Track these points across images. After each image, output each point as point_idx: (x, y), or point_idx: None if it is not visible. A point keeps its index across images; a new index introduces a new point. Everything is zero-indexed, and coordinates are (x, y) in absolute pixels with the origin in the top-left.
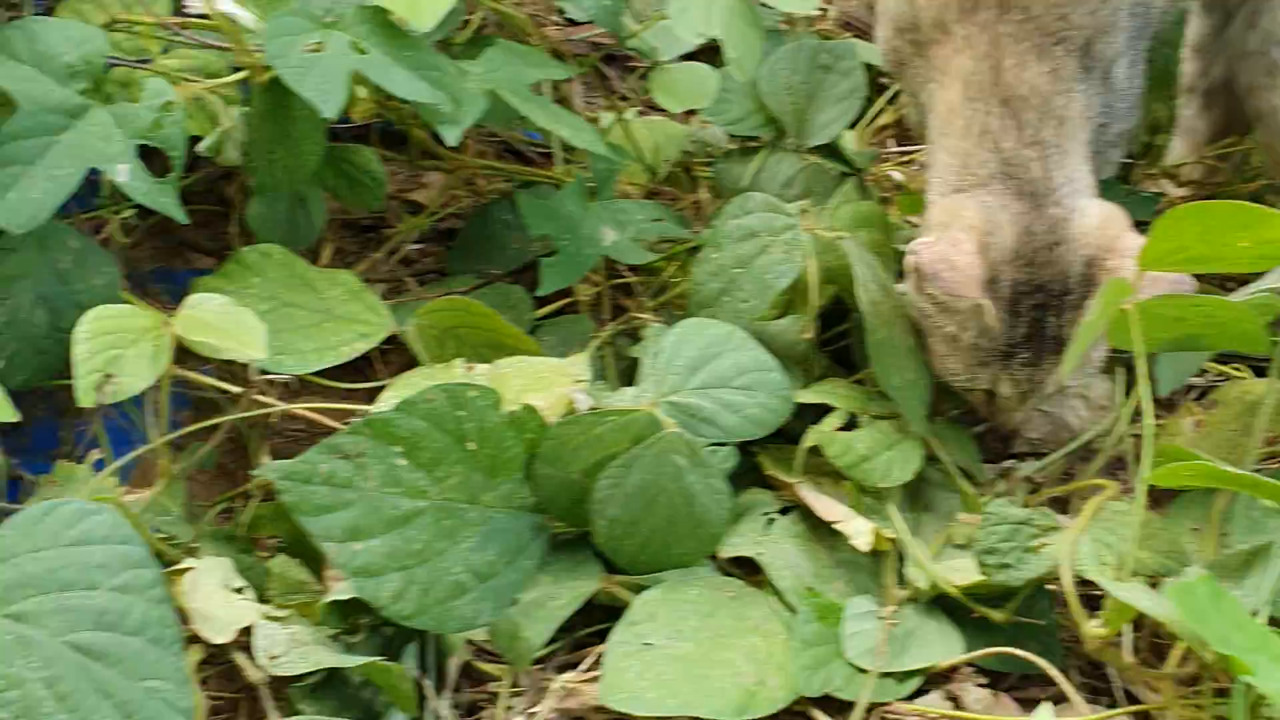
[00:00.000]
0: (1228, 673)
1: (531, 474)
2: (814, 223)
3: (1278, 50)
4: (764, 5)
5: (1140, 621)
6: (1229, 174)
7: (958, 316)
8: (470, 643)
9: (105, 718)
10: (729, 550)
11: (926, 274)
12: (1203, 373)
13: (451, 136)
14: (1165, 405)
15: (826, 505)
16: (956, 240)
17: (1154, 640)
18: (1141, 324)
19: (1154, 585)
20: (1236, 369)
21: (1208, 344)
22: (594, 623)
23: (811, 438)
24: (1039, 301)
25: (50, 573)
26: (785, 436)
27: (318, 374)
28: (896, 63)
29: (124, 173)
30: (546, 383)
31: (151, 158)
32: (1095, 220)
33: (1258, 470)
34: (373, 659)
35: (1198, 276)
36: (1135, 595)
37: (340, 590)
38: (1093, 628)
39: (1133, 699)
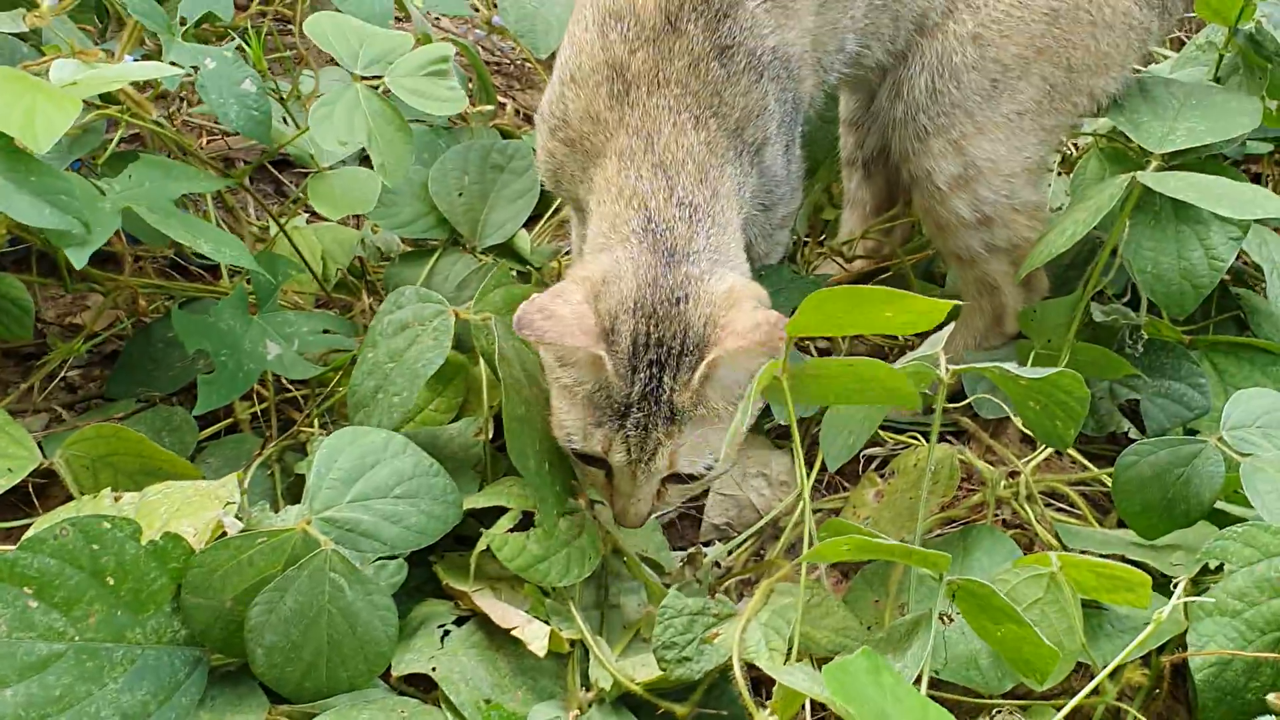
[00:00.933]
0: None
1: (181, 605)
2: (465, 307)
3: (923, 117)
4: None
5: (825, 706)
6: (894, 246)
7: (574, 369)
8: None
9: None
10: (402, 668)
11: (520, 322)
12: (884, 442)
13: (78, 260)
14: (850, 477)
15: (503, 611)
16: (562, 291)
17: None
18: (794, 385)
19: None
20: (914, 438)
21: (864, 399)
22: None
23: (483, 541)
24: (657, 358)
25: None
26: (466, 543)
27: None
28: (553, 171)
29: None
30: (196, 507)
31: None
32: (725, 287)
33: (934, 535)
34: None
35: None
36: (795, 678)
37: None
38: (765, 716)
39: None
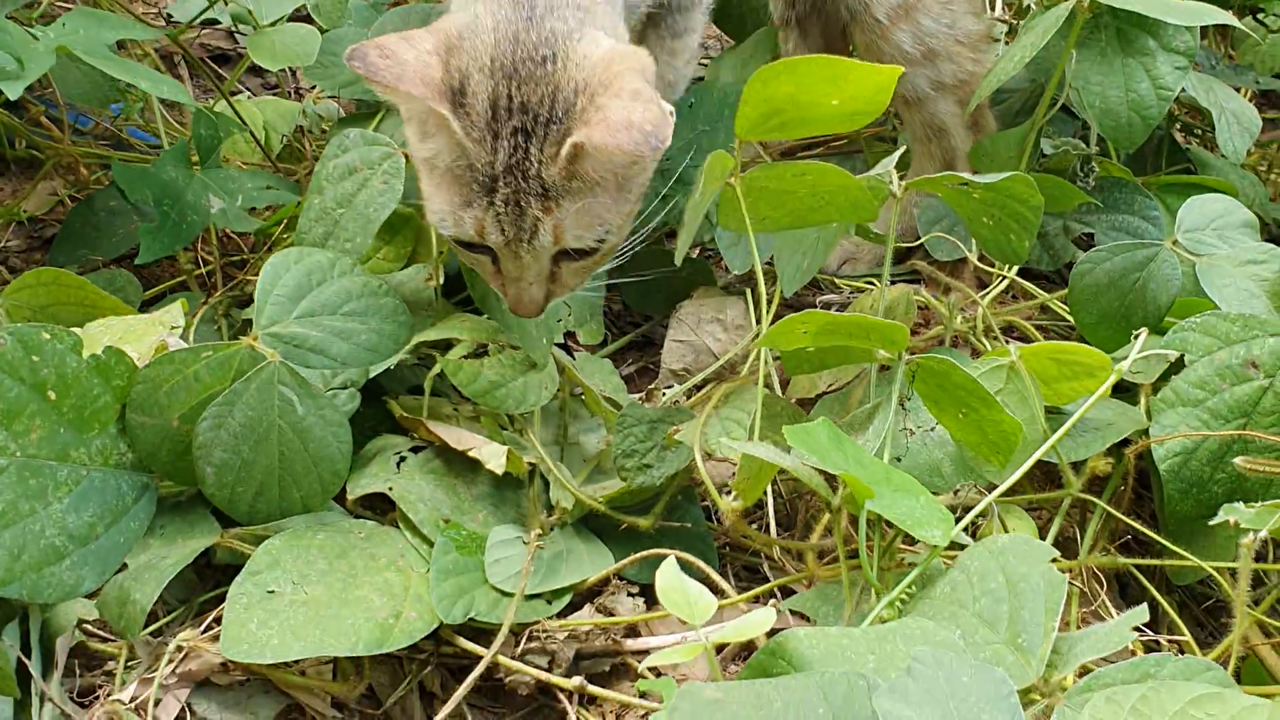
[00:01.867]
0: (856, 522)
1: (127, 425)
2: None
3: None
4: None
5: (789, 516)
6: None
7: (431, 138)
8: (84, 623)
9: None
10: (358, 490)
11: (353, 54)
12: (840, 290)
13: (13, 91)
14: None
15: (458, 435)
16: (411, 36)
17: (805, 533)
18: (748, 200)
19: None
20: (869, 284)
21: (821, 217)
22: (218, 585)
23: (438, 366)
24: (521, 125)
25: None
26: (418, 392)
27: None
28: None
29: None
30: (139, 335)
31: None
32: (601, 51)
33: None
34: None
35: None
36: (758, 449)
37: None
38: (728, 502)
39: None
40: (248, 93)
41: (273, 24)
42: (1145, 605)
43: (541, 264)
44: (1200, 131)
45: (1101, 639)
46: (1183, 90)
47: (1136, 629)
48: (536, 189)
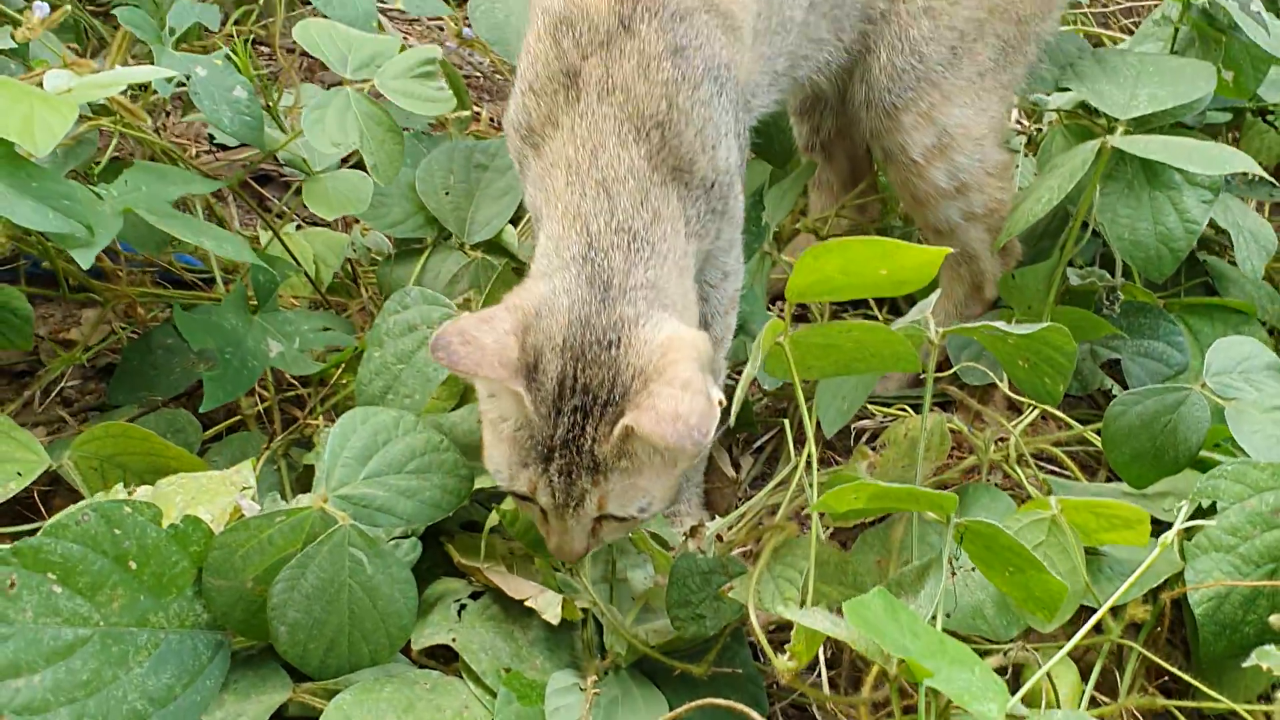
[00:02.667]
0: (914, 685)
1: (203, 588)
2: (474, 308)
3: (889, 96)
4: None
5: (837, 656)
6: (866, 224)
7: (500, 403)
8: None
9: None
10: (422, 641)
11: (436, 344)
12: (872, 416)
13: (85, 260)
14: (842, 453)
15: (515, 584)
16: (490, 317)
17: (853, 674)
18: (795, 354)
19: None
20: (902, 410)
21: (864, 367)
22: None
23: (493, 517)
24: (581, 404)
25: None
26: (474, 528)
27: None
28: (519, 163)
29: None
30: (211, 495)
31: None
32: (662, 336)
33: None
34: None
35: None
36: (815, 619)
37: None
38: (784, 661)
39: None
40: (295, 220)
41: (324, 170)
42: None
43: (584, 525)
44: (1218, 247)
45: None
46: None
47: None
48: (588, 463)
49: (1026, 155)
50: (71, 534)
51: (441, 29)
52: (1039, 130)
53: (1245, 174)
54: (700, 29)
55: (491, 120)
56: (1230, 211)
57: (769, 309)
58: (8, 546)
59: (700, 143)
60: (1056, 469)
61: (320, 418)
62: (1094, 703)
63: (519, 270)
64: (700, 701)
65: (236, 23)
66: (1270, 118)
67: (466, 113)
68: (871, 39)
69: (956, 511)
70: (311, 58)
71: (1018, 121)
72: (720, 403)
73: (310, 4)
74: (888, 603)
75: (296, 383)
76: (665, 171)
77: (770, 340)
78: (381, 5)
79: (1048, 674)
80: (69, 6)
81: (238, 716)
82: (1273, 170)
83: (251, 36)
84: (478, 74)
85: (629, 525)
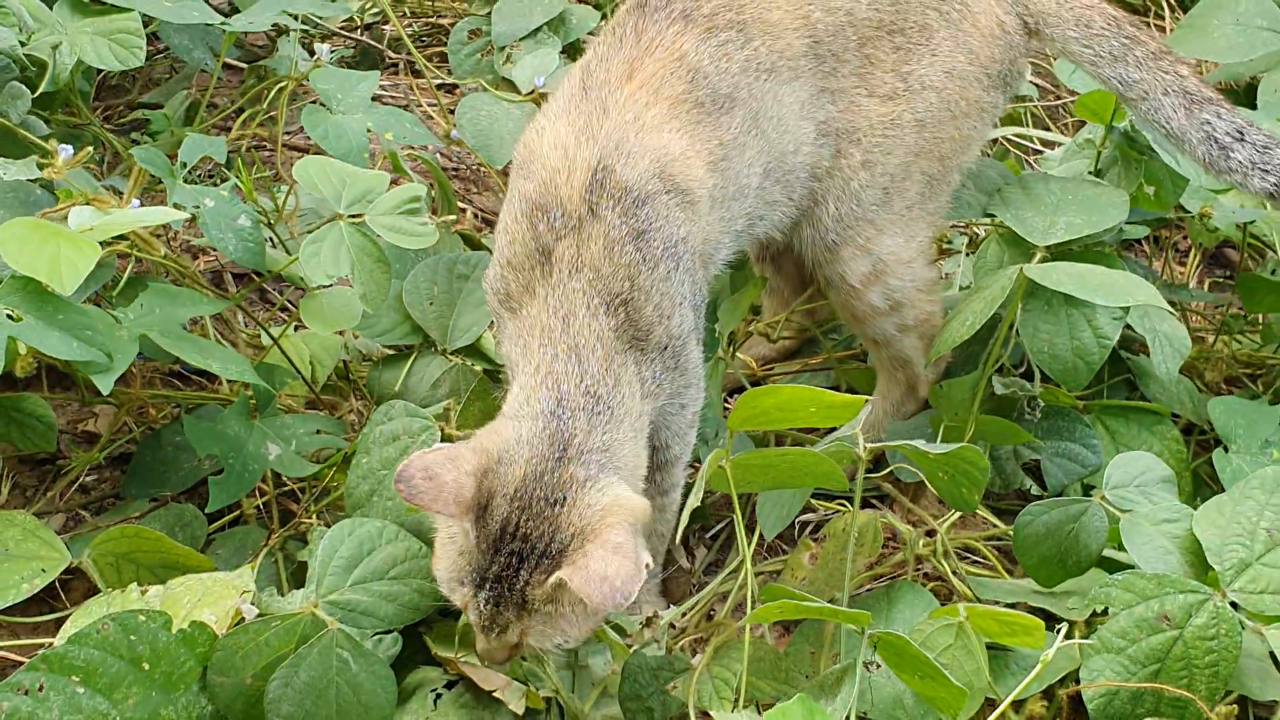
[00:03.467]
0: None
1: (207, 684)
2: (450, 421)
3: (830, 235)
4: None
5: None
6: (813, 325)
7: (449, 524)
8: None
9: None
10: None
11: (400, 476)
12: (815, 509)
13: (104, 386)
14: (788, 541)
15: (484, 675)
16: (455, 456)
17: None
18: (737, 474)
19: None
20: (843, 504)
21: (797, 483)
22: None
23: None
24: (518, 550)
25: None
26: (451, 615)
27: (4, 612)
28: (496, 320)
29: None
30: (216, 597)
31: None
32: (606, 500)
33: (863, 590)
34: None
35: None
36: None
37: None
38: None
39: None
40: (292, 320)
41: (320, 287)
42: None
43: (506, 646)
44: (1140, 346)
45: None
46: None
47: None
48: (516, 599)
49: (967, 255)
50: (93, 641)
51: (432, 122)
52: (978, 234)
53: (1168, 279)
54: (659, 210)
55: (476, 214)
56: (1148, 317)
57: (725, 404)
58: (39, 655)
59: (657, 315)
60: (979, 560)
61: (314, 514)
62: None
63: (492, 374)
64: None
65: (244, 120)
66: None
67: (453, 216)
68: (818, 193)
69: (880, 605)
70: (308, 153)
71: (963, 225)
72: (648, 566)
73: (309, 96)
74: (806, 709)
75: (291, 481)
76: (626, 340)
77: (713, 467)
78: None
79: None
80: (105, 140)
81: None
82: (1213, 252)
83: (251, 140)
84: (464, 167)
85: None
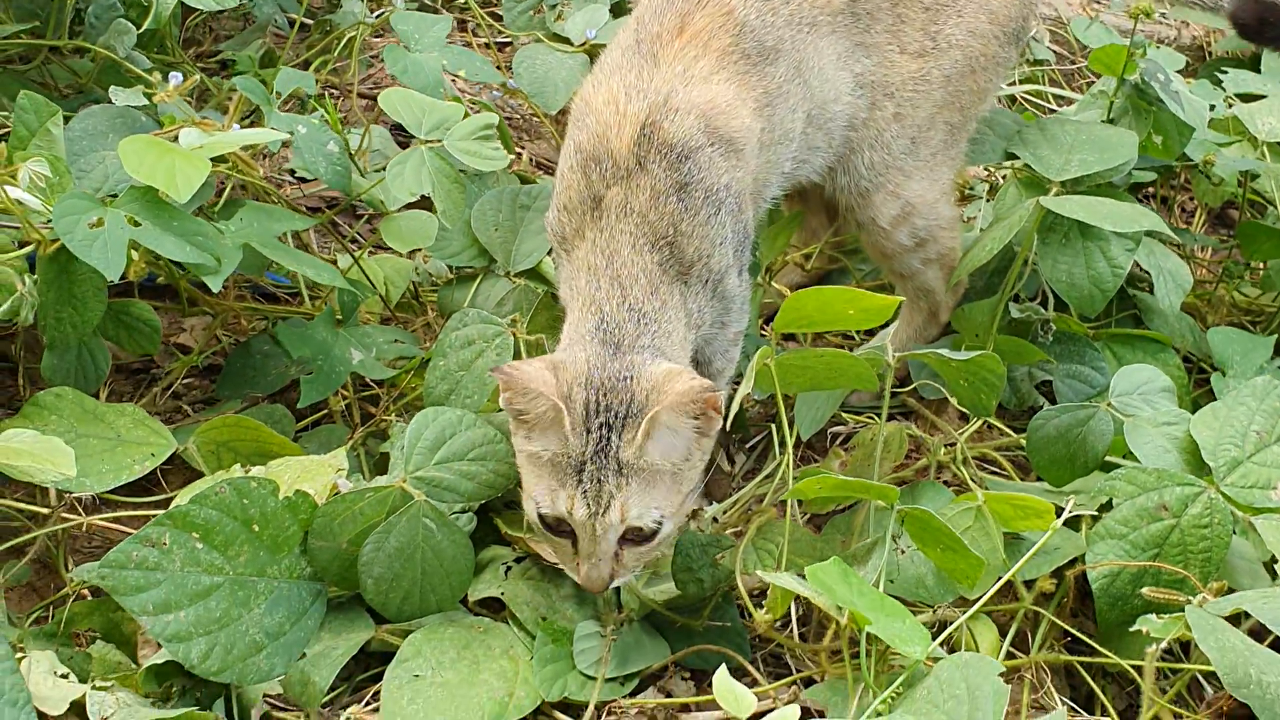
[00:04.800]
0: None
1: (308, 548)
2: (519, 329)
3: (864, 181)
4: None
5: (807, 616)
6: (843, 257)
7: (539, 434)
8: (267, 697)
9: None
10: (477, 594)
11: (501, 376)
12: (846, 423)
13: (215, 285)
14: (820, 452)
15: (549, 551)
16: (529, 362)
17: (819, 630)
18: (779, 374)
19: None
20: (871, 418)
21: (833, 384)
22: (372, 667)
23: None
24: (606, 421)
25: None
26: (518, 506)
27: (114, 493)
28: (555, 262)
29: None
30: (313, 474)
31: None
32: (662, 370)
33: None
34: (189, 710)
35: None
36: (785, 580)
37: (156, 657)
38: (761, 614)
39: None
40: (368, 247)
41: (397, 209)
42: (1063, 708)
43: (610, 541)
44: (1147, 285)
45: None
46: None
47: (1073, 710)
48: (614, 467)
49: (988, 201)
50: (211, 502)
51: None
52: (1003, 179)
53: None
54: (701, 163)
55: (531, 159)
56: (1154, 255)
57: (762, 330)
58: (164, 513)
59: (698, 254)
60: (995, 469)
61: (392, 414)
62: (1010, 656)
63: (555, 296)
64: (695, 647)
65: (316, 69)
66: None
67: (510, 156)
68: (854, 142)
69: (905, 501)
70: (376, 101)
71: (986, 172)
72: (718, 389)
73: (372, 52)
74: (841, 569)
75: (373, 384)
76: (672, 274)
77: (760, 363)
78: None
79: (970, 631)
80: (198, 75)
81: (332, 650)
82: (1218, 212)
83: (327, 86)
84: (518, 117)
85: (646, 551)
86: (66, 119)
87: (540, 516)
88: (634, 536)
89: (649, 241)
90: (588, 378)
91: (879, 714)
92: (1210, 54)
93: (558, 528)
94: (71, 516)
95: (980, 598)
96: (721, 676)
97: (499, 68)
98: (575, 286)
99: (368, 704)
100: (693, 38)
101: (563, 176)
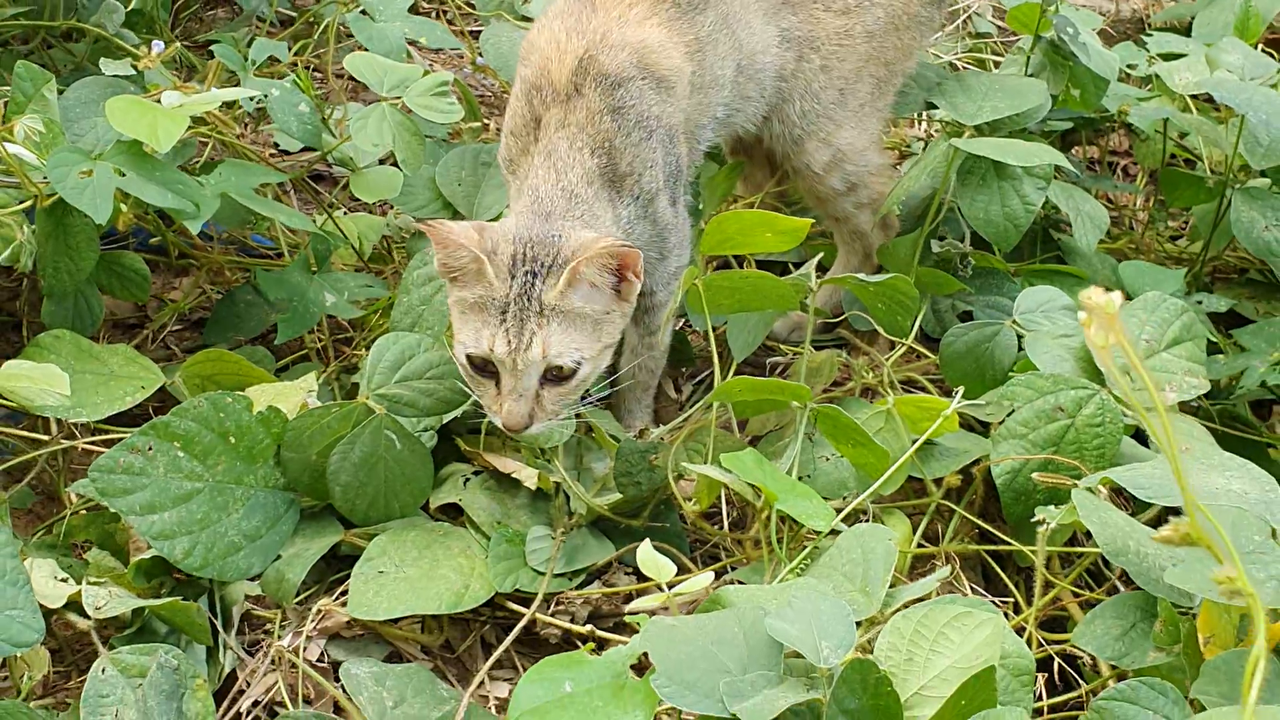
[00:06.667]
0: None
1: (280, 459)
2: None
3: (796, 129)
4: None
5: (740, 519)
6: (783, 206)
7: (467, 282)
8: (247, 597)
9: None
10: (437, 501)
11: (428, 230)
12: (784, 354)
13: (194, 228)
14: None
15: (504, 462)
16: (460, 224)
17: (747, 524)
18: (708, 294)
19: None
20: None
21: (759, 305)
22: (343, 568)
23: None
24: (531, 269)
25: None
26: (476, 431)
27: (107, 422)
28: (507, 191)
29: None
30: (286, 396)
31: None
32: (589, 234)
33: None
34: (174, 599)
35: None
36: (707, 469)
37: (144, 554)
38: (689, 505)
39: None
40: (343, 209)
41: (366, 166)
42: (947, 568)
43: (532, 378)
44: (1065, 227)
45: (917, 588)
46: (1050, 197)
47: (978, 593)
48: (535, 308)
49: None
50: (191, 415)
51: (461, 57)
52: (931, 136)
53: (1091, 167)
54: (633, 91)
55: (497, 130)
56: (1073, 198)
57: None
58: (148, 423)
59: (629, 168)
60: (919, 389)
61: (363, 349)
62: (921, 548)
63: None
64: (637, 544)
65: (296, 54)
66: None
67: (477, 124)
68: (785, 92)
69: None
70: (356, 83)
71: (923, 132)
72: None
73: (353, 37)
74: (756, 457)
75: (346, 325)
76: (606, 179)
77: (689, 282)
78: (411, 41)
79: (879, 518)
80: (178, 44)
81: (305, 551)
82: (1157, 171)
83: (308, 65)
84: (488, 93)
85: (566, 392)
86: (60, 91)
87: (468, 359)
88: (553, 375)
89: (587, 146)
90: (516, 235)
91: (787, 581)
92: (1149, 26)
93: (484, 369)
94: (69, 443)
95: (877, 483)
96: (645, 549)
97: (474, 53)
98: (519, 193)
99: (337, 598)
100: None
101: (510, 107)
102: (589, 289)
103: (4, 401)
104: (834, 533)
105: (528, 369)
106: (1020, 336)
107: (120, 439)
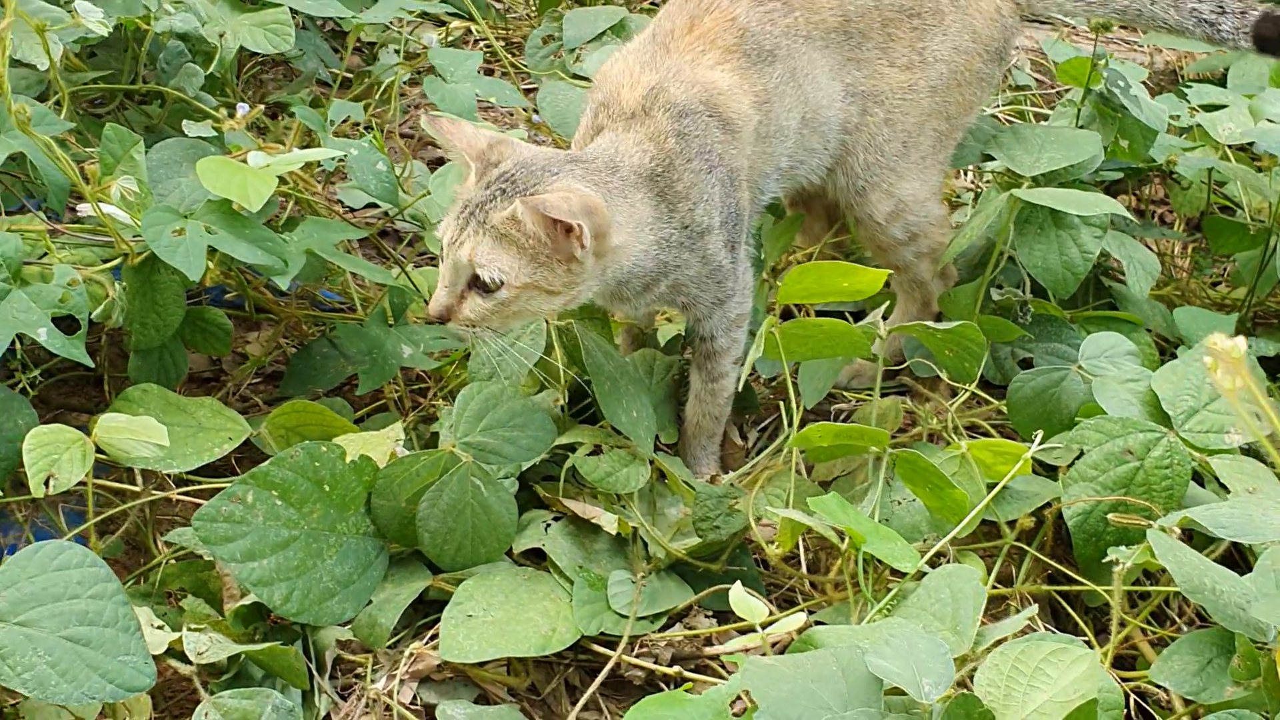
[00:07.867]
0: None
1: (371, 506)
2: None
3: (860, 181)
4: None
5: (815, 562)
6: (842, 257)
7: (462, 188)
8: (339, 642)
9: (94, 683)
10: (521, 546)
11: (432, 119)
12: (848, 400)
13: (284, 284)
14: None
15: (584, 508)
16: (468, 126)
17: (826, 569)
18: (782, 341)
19: None
20: (867, 396)
21: (831, 352)
22: (430, 612)
23: (570, 462)
24: (505, 187)
25: (43, 590)
26: (553, 479)
27: (195, 473)
28: None
29: (43, 334)
30: (375, 445)
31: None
32: (575, 187)
33: None
34: (273, 644)
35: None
36: (791, 513)
37: (241, 602)
38: (772, 549)
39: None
40: (411, 264)
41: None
42: (1034, 606)
43: (458, 277)
44: (1118, 276)
45: (1006, 626)
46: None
47: (1051, 631)
48: (480, 219)
49: (973, 207)
50: (288, 464)
51: (511, 114)
52: (979, 187)
53: (1141, 218)
54: (700, 124)
55: None
56: (1125, 246)
57: None
58: (248, 473)
59: (686, 192)
60: (983, 434)
61: (440, 400)
62: (994, 589)
63: None
64: (716, 588)
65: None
66: (1174, 175)
67: None
68: (849, 145)
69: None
70: (417, 141)
71: (971, 183)
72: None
73: (422, 95)
74: (840, 501)
75: (423, 375)
76: (659, 186)
77: (766, 330)
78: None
79: (956, 559)
80: (261, 107)
81: (395, 596)
82: (1196, 221)
83: (373, 124)
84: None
85: (484, 309)
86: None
87: (440, 238)
88: (478, 285)
89: (649, 153)
90: (520, 157)
91: (875, 621)
92: (1182, 77)
93: (443, 255)
94: (161, 494)
95: (958, 527)
96: (737, 590)
97: (528, 107)
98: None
99: (428, 641)
100: (701, 35)
101: (580, 124)
102: (533, 227)
103: (98, 455)
104: (917, 575)
105: (456, 267)
106: (1087, 381)
107: (206, 489)
